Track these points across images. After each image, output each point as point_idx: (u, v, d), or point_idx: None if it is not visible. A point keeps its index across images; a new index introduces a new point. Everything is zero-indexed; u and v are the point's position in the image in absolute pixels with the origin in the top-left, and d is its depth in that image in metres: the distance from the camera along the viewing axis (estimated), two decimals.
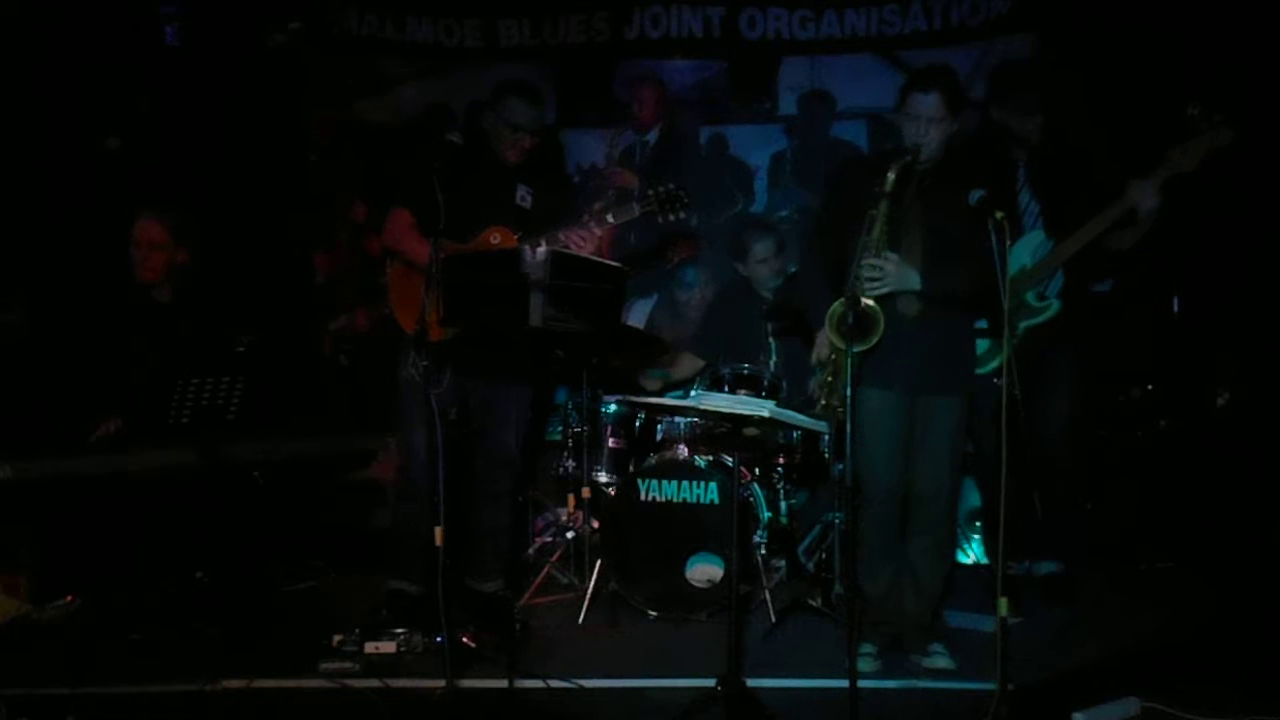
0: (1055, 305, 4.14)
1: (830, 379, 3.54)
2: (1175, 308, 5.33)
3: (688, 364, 5.15)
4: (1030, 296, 4.14)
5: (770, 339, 4.57)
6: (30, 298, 4.85)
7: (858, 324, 3.28)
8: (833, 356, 3.51)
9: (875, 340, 3.37)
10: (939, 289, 3.47)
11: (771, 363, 4.57)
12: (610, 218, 4.03)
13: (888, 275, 3.41)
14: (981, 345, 4.12)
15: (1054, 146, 4.21)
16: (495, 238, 4.01)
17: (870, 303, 3.37)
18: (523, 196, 4.12)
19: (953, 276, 3.46)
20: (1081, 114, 4.98)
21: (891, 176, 3.35)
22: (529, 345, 3.93)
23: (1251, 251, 5.04)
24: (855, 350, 3.24)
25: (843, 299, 3.32)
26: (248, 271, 5.26)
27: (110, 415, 4.22)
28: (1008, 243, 3.05)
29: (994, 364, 4.02)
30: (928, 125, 3.43)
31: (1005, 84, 4.45)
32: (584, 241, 3.93)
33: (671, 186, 4.06)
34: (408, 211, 4.04)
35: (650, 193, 4.09)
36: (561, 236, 3.93)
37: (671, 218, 4.09)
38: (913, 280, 3.45)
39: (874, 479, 3.56)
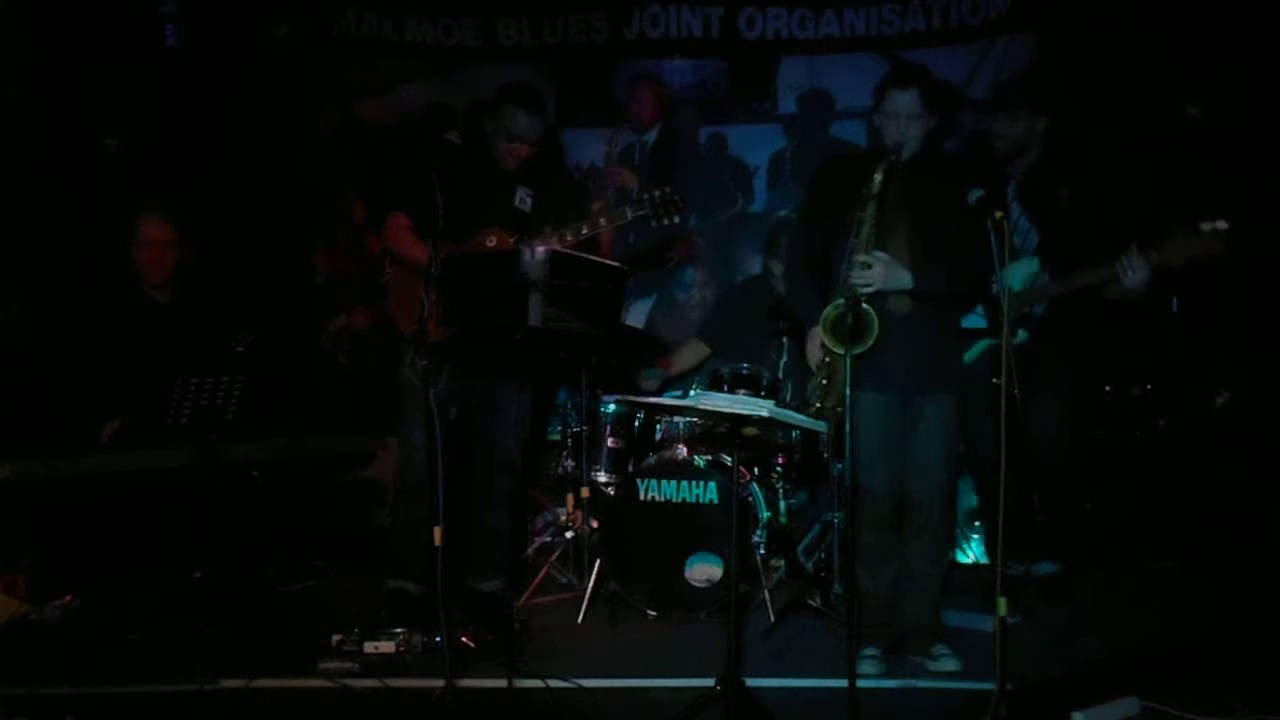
0: (1022, 335, 4.14)
1: (825, 382, 3.53)
2: (1174, 308, 5.32)
3: (691, 352, 5.14)
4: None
5: (785, 338, 4.57)
6: (29, 297, 4.85)
7: (854, 326, 3.28)
8: (827, 360, 3.51)
9: (870, 343, 3.37)
10: (930, 286, 3.47)
11: (782, 362, 4.57)
12: (602, 221, 4.03)
13: (875, 275, 3.41)
14: (980, 345, 4.13)
15: (1051, 170, 4.21)
16: (491, 240, 4.02)
17: (865, 305, 3.37)
18: (522, 199, 4.12)
19: (942, 273, 3.47)
20: (1101, 153, 4.97)
21: (878, 178, 3.35)
22: (529, 345, 3.93)
23: (1250, 251, 5.03)
24: (853, 352, 3.24)
25: (837, 302, 3.32)
26: (248, 271, 5.27)
27: (110, 416, 4.22)
28: (1006, 243, 3.05)
29: (973, 351, 4.03)
30: (908, 123, 3.43)
31: (1001, 89, 4.47)
32: (574, 245, 3.92)
33: (667, 190, 4.06)
34: (403, 214, 4.04)
35: (645, 197, 4.09)
36: (554, 240, 3.92)
37: (666, 222, 4.09)
38: (903, 279, 3.45)
39: (869, 477, 3.56)
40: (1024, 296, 4.12)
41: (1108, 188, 4.16)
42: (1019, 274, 4.14)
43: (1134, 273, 3.85)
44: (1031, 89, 4.51)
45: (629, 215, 4.06)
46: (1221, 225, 3.71)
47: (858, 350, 3.31)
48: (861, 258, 3.40)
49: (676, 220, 4.12)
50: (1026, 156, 4.26)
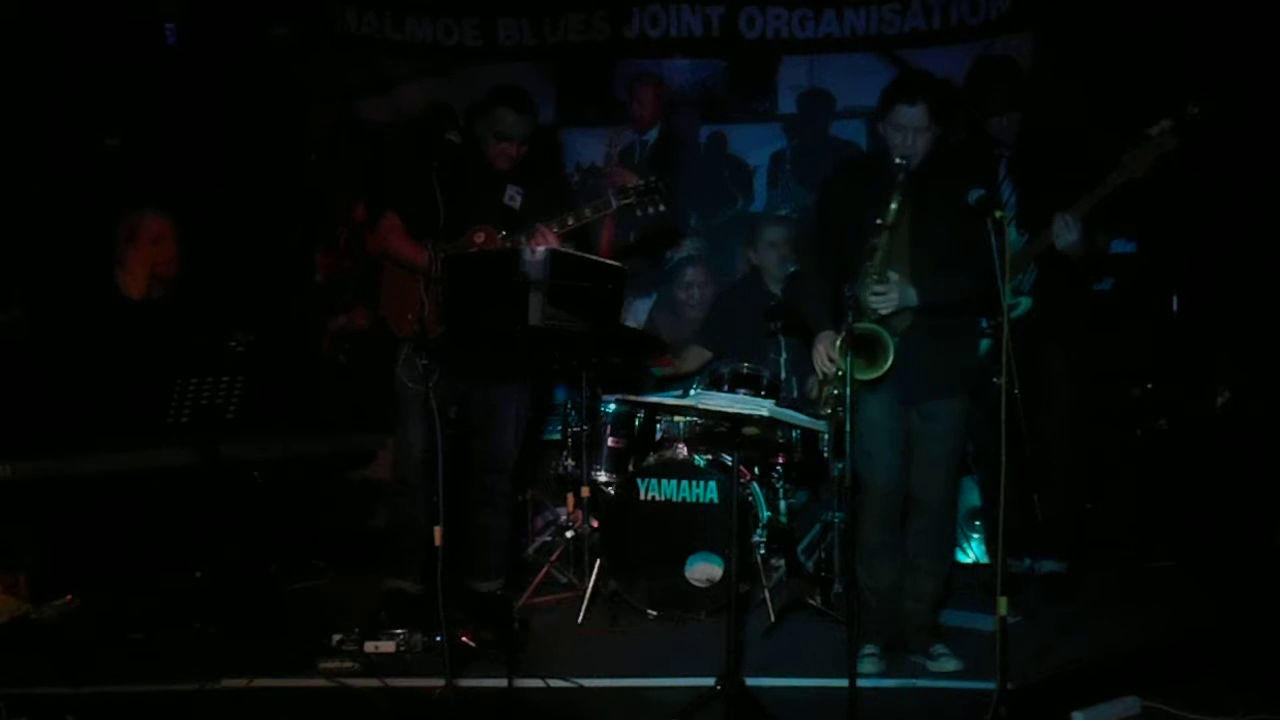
0: (1025, 302, 4.15)
1: (836, 392, 3.53)
2: (1175, 307, 5.32)
3: (694, 356, 5.15)
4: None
5: (780, 337, 4.58)
6: (29, 297, 4.85)
7: (868, 351, 3.29)
8: (839, 373, 3.50)
9: (886, 368, 3.38)
10: (935, 298, 3.47)
11: (782, 360, 4.57)
12: (588, 211, 4.04)
13: (891, 296, 3.42)
14: (983, 345, 4.13)
15: (1035, 142, 4.22)
16: (480, 237, 4.03)
17: (880, 329, 3.39)
18: (511, 196, 4.13)
19: (949, 282, 3.46)
20: (1066, 109, 4.99)
21: (894, 209, 3.35)
22: (528, 345, 3.93)
23: (1251, 250, 5.04)
24: (865, 378, 3.27)
25: (847, 326, 3.32)
26: (248, 271, 5.27)
27: (110, 416, 4.21)
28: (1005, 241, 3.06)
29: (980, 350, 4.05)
30: (914, 135, 3.42)
31: (979, 82, 4.48)
32: (558, 239, 3.93)
33: (652, 179, 4.08)
34: (395, 215, 4.05)
35: (629, 187, 4.10)
36: (543, 230, 3.93)
37: (650, 210, 4.10)
38: (909, 296, 3.45)
39: (871, 476, 3.56)
40: (1011, 265, 4.12)
41: (1079, 165, 4.15)
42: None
43: (1064, 232, 3.85)
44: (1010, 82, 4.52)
45: (614, 204, 4.07)
46: (1166, 124, 3.71)
47: (872, 375, 3.33)
48: (878, 288, 3.40)
49: (662, 209, 4.13)
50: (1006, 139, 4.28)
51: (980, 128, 4.29)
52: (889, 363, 3.38)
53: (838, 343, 3.44)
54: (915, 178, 3.47)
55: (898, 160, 3.39)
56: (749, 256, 5.04)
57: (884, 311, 3.42)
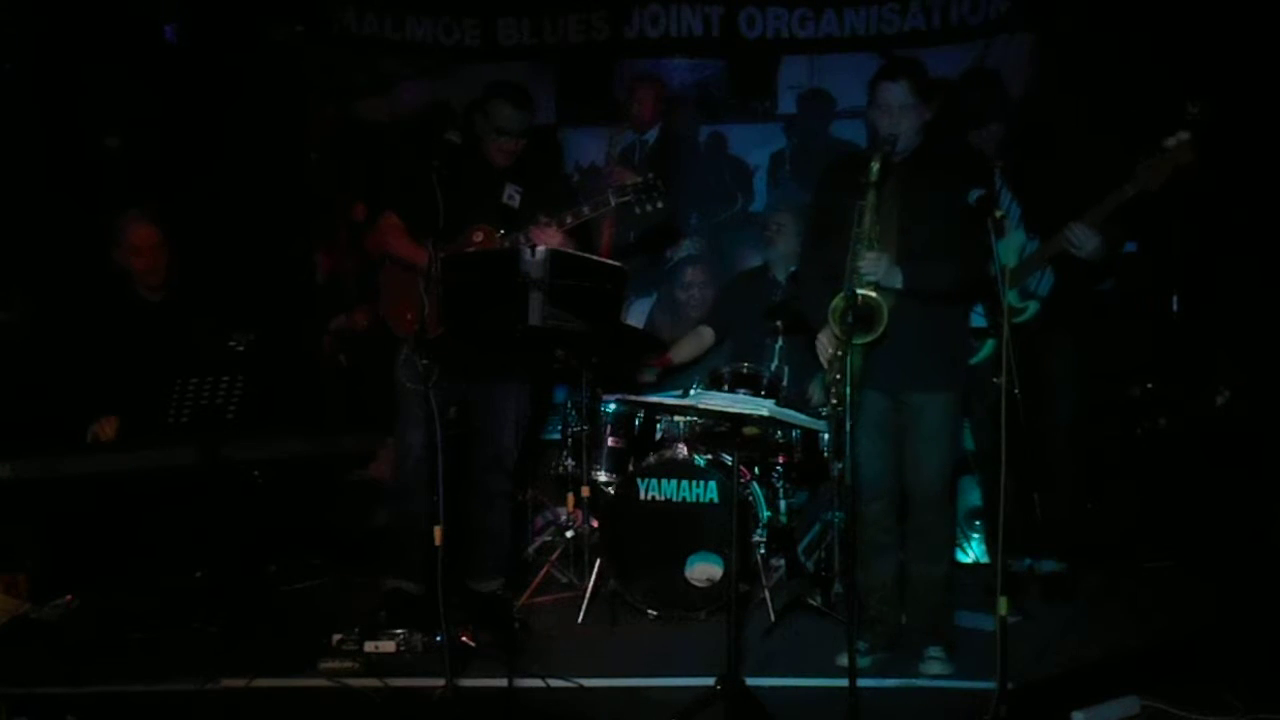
0: (1034, 306, 4.15)
1: (839, 377, 3.52)
2: (1175, 306, 5.32)
3: (692, 342, 5.13)
4: (1013, 296, 4.13)
5: (779, 338, 4.57)
6: (29, 297, 4.85)
7: (860, 317, 3.27)
8: (839, 354, 3.50)
9: (880, 331, 3.35)
10: (921, 284, 3.45)
11: (776, 346, 4.57)
12: (586, 209, 4.04)
13: (881, 264, 3.39)
14: (988, 347, 4.13)
15: (1035, 144, 4.22)
16: (478, 236, 4.03)
17: (872, 294, 3.36)
18: (510, 195, 4.13)
19: (936, 271, 3.45)
20: (1065, 110, 5.00)
21: (875, 166, 3.32)
22: (528, 345, 3.93)
23: (1251, 250, 5.04)
24: (860, 342, 3.24)
25: (844, 293, 3.31)
26: (248, 271, 5.27)
27: (104, 412, 4.20)
28: (1000, 241, 3.06)
29: (983, 353, 4.04)
30: (899, 114, 3.43)
31: (964, 92, 4.50)
32: (554, 237, 3.93)
33: (650, 176, 4.08)
34: (394, 214, 4.05)
35: (628, 184, 4.11)
36: (536, 231, 3.93)
37: (649, 207, 4.11)
38: (895, 278, 3.43)
39: (862, 477, 3.55)
40: (1020, 270, 4.12)
41: (1086, 166, 4.14)
42: (1010, 248, 4.12)
43: (1085, 241, 3.87)
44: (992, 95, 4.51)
45: (612, 202, 4.08)
46: (1184, 135, 3.69)
47: (866, 339, 3.30)
48: (868, 254, 3.39)
49: (660, 205, 4.13)
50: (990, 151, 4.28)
51: (965, 137, 4.30)
52: (882, 325, 3.34)
53: (832, 309, 3.39)
54: (907, 163, 3.47)
55: (885, 136, 3.41)
56: (764, 249, 5.07)
57: (871, 279, 3.38)
